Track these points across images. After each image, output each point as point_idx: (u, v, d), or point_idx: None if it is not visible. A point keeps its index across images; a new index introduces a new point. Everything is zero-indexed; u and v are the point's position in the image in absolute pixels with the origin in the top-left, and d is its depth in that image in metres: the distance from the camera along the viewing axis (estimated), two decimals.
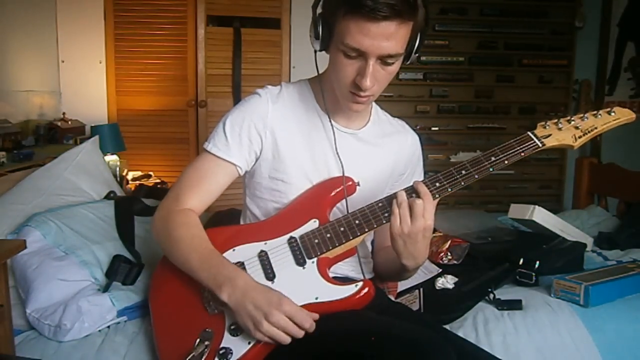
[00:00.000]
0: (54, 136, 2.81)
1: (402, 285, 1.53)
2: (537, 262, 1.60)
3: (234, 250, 1.15)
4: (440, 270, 1.67)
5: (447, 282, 1.60)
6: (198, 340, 1.05)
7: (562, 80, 4.21)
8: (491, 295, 1.48)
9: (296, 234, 1.14)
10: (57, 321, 1.27)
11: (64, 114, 3.09)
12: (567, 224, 1.94)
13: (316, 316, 1.03)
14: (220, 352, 1.05)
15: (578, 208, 2.60)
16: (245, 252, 1.15)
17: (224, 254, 1.13)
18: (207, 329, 1.07)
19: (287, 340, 1.00)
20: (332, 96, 1.19)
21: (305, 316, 1.01)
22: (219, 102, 3.40)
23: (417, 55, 1.11)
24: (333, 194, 1.18)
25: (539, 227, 1.91)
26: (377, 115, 1.31)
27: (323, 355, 1.01)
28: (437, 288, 1.59)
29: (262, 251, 1.14)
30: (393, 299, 1.47)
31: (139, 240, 1.53)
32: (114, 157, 2.90)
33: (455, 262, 1.79)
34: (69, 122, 3.01)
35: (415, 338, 0.96)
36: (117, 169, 2.84)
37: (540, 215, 1.90)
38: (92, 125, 3.05)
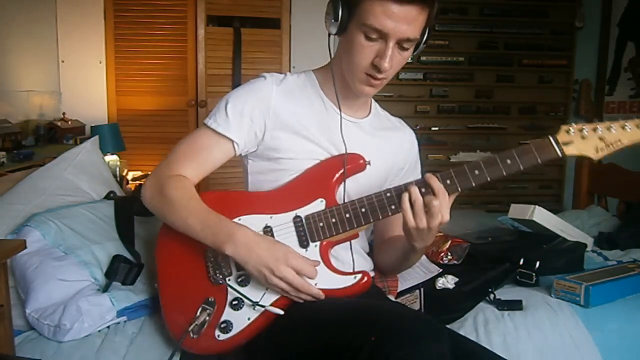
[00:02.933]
0: (54, 136, 2.81)
1: (402, 285, 1.53)
2: (538, 262, 1.60)
3: (239, 219, 1.16)
4: (441, 270, 1.66)
5: (447, 282, 1.60)
6: (201, 308, 1.11)
7: (562, 80, 4.22)
8: (491, 296, 1.48)
9: (302, 212, 1.15)
10: (56, 321, 1.26)
11: (64, 114, 3.09)
12: (567, 224, 1.94)
13: (318, 264, 1.10)
14: (222, 325, 1.10)
15: (578, 208, 2.60)
16: (251, 224, 1.14)
17: None
18: (209, 298, 1.12)
19: (296, 294, 1.07)
20: (340, 83, 1.20)
21: (311, 269, 1.07)
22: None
23: (424, 45, 1.14)
24: (340, 172, 1.17)
25: (539, 227, 1.91)
26: (377, 109, 1.33)
27: (314, 346, 1.01)
28: (438, 288, 1.59)
29: (267, 226, 1.15)
30: (393, 298, 1.47)
31: (138, 240, 1.53)
32: (114, 157, 2.90)
33: (455, 262, 1.79)
34: (69, 122, 3.01)
35: (398, 317, 0.95)
36: (117, 169, 2.84)
37: (540, 215, 1.89)
38: (92, 125, 3.06)
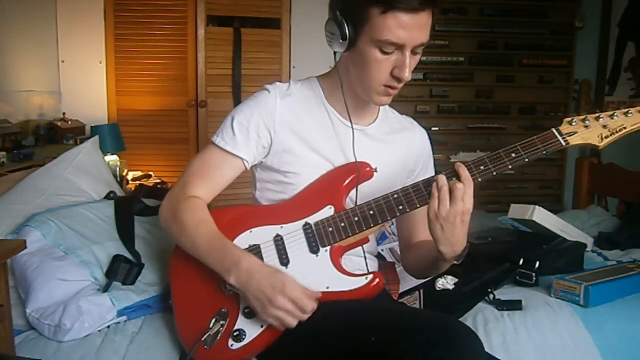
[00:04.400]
0: (54, 136, 2.81)
1: (403, 287, 1.53)
2: (537, 262, 1.60)
3: (250, 231, 1.17)
4: None
5: (447, 282, 1.60)
6: (214, 319, 1.11)
7: (562, 80, 4.22)
8: (491, 296, 1.48)
9: (311, 219, 1.15)
10: (57, 321, 1.27)
11: (64, 114, 3.09)
12: (567, 224, 1.94)
13: (319, 295, 1.05)
14: (234, 333, 1.10)
15: (578, 208, 2.60)
16: (262, 235, 1.16)
17: (241, 235, 1.16)
18: (222, 309, 1.12)
19: (292, 323, 1.04)
20: (349, 94, 1.19)
21: (306, 300, 1.03)
22: (219, 102, 3.40)
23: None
24: (349, 179, 1.18)
25: (539, 227, 1.91)
26: (385, 112, 1.31)
27: (347, 349, 1.01)
28: (437, 289, 1.59)
29: (277, 235, 1.16)
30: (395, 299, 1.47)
31: (139, 240, 1.53)
32: (114, 157, 2.90)
33: (455, 262, 1.78)
34: (69, 122, 3.01)
35: (441, 326, 0.95)
36: (117, 169, 2.84)
37: (540, 215, 1.90)
38: (92, 125, 3.05)
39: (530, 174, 4.21)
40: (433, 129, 4.02)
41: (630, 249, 1.94)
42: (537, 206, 1.91)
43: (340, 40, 1.09)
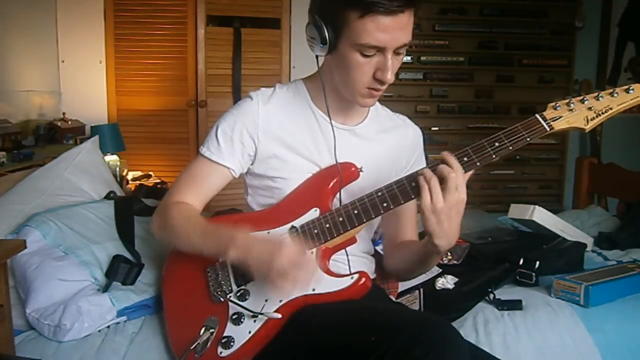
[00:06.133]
0: (54, 136, 2.81)
1: (403, 286, 1.53)
2: (537, 262, 1.60)
3: None
4: (441, 270, 1.66)
5: (447, 282, 1.60)
6: (204, 328, 1.10)
7: (562, 80, 4.21)
8: (491, 296, 1.48)
9: (297, 223, 1.16)
10: (56, 321, 1.27)
11: (64, 114, 3.09)
12: (567, 224, 1.94)
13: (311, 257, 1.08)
14: (223, 340, 1.10)
15: (578, 208, 2.60)
16: None
17: None
18: (212, 317, 1.12)
19: (295, 283, 1.03)
20: (332, 94, 1.19)
21: (303, 258, 1.03)
22: (219, 102, 3.40)
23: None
24: (333, 182, 1.18)
25: (539, 227, 1.91)
26: (376, 110, 1.31)
27: (329, 349, 1.01)
28: (437, 288, 1.59)
29: None
30: (394, 299, 1.47)
31: (139, 240, 1.53)
32: (114, 157, 2.90)
33: (455, 262, 1.79)
34: (69, 122, 3.02)
35: (422, 324, 0.95)
36: (117, 169, 2.84)
37: (540, 215, 1.89)
38: (92, 125, 3.06)
39: (530, 174, 4.20)
40: (433, 129, 4.03)
41: (630, 249, 1.94)
42: (537, 206, 1.91)
43: (321, 45, 1.09)
